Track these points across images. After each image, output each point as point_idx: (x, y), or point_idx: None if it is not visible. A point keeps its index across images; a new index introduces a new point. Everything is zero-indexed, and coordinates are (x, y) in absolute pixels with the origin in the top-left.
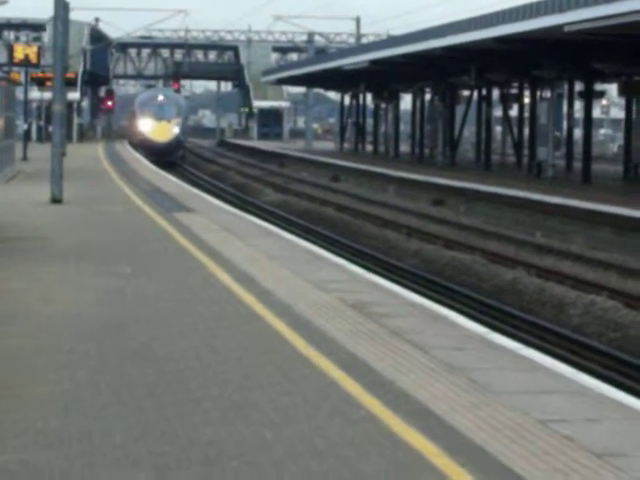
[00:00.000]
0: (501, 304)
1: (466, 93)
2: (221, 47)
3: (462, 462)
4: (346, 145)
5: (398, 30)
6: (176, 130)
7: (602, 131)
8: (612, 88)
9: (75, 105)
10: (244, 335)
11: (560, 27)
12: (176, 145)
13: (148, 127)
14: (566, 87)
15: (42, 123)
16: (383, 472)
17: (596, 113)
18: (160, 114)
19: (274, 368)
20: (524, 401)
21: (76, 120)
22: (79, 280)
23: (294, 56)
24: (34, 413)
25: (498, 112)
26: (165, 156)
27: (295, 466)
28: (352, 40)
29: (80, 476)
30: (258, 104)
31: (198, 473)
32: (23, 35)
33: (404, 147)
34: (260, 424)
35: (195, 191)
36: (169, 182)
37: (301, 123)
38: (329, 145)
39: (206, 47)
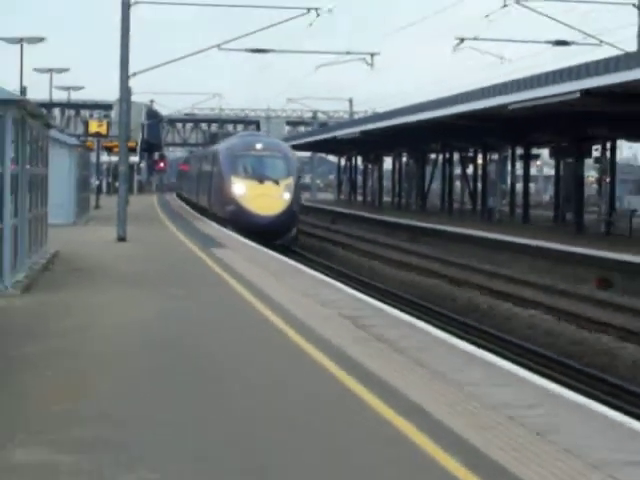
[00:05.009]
0: (463, 317)
1: (433, 156)
2: (246, 121)
3: None
4: (342, 196)
5: (381, 108)
6: (287, 197)
7: (532, 185)
8: (545, 152)
9: (135, 166)
10: (269, 340)
11: (505, 106)
12: (287, 220)
13: (244, 192)
14: (510, 151)
15: (110, 180)
16: None
17: (532, 171)
18: (262, 171)
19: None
20: None
21: (136, 177)
22: (139, 299)
23: (302, 128)
24: (103, 400)
25: (458, 171)
26: (270, 236)
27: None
28: (346, 116)
29: (142, 443)
30: None
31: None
32: (96, 113)
33: (386, 198)
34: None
35: (226, 232)
36: (206, 225)
37: (307, 179)
38: (329, 196)
39: (235, 121)
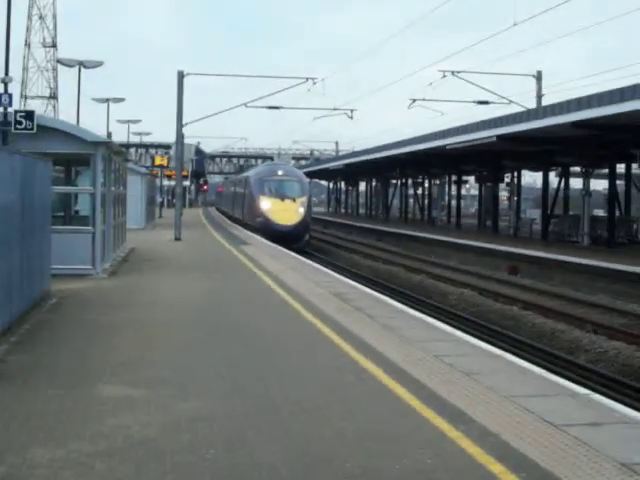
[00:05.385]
0: (414, 294)
1: (394, 181)
2: (264, 157)
3: None
4: (330, 209)
5: (359, 147)
6: (302, 211)
7: (462, 201)
8: (471, 178)
9: (187, 188)
10: (283, 313)
11: (444, 146)
12: (303, 229)
13: (270, 208)
14: (447, 178)
15: (169, 197)
16: None
17: (463, 192)
18: (282, 191)
19: (299, 333)
20: None
21: (187, 196)
22: (194, 280)
23: (302, 162)
24: (167, 350)
25: (411, 191)
26: (289, 242)
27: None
28: (334, 153)
29: (195, 381)
30: None
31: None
32: (159, 151)
33: (361, 210)
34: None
35: (254, 236)
36: (239, 231)
37: None
38: (321, 209)
39: (256, 157)
